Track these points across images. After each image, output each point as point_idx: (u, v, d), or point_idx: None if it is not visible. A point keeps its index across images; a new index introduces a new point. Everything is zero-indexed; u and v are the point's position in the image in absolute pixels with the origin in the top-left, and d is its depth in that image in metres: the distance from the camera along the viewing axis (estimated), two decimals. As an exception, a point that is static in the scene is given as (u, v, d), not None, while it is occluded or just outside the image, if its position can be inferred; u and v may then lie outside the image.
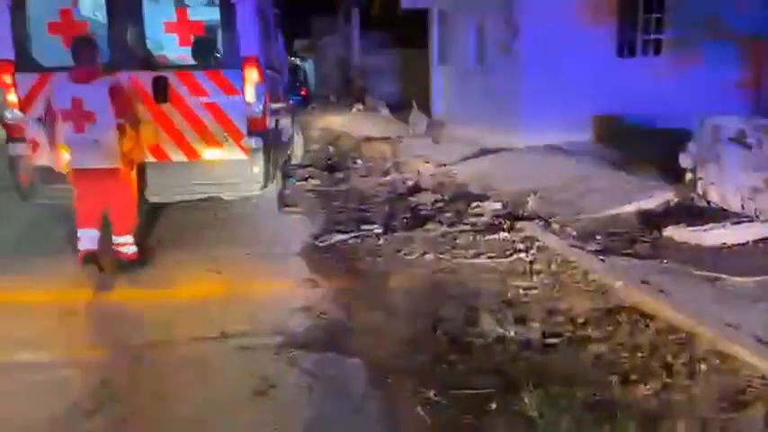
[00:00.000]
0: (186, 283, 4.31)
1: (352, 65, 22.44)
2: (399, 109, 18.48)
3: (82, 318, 3.83)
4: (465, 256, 4.66)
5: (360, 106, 19.91)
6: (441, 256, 4.67)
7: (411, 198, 6.89)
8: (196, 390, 2.90)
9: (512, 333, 3.36)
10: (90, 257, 4.34)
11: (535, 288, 3.99)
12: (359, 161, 10.01)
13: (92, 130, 4.18)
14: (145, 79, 4.70)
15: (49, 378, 3.04)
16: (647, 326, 3.31)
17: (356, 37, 21.92)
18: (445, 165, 8.86)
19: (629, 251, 4.52)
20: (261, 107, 4.95)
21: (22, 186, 4.90)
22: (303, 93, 21.17)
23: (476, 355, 3.16)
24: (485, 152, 9.26)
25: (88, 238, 4.38)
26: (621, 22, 9.02)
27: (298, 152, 9.69)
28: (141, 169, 4.71)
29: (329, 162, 9.84)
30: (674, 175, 5.81)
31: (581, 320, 3.49)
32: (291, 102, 9.02)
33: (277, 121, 6.10)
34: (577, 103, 8.68)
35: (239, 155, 4.93)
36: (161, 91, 4.68)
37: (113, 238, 4.48)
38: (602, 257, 4.34)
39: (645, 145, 7.55)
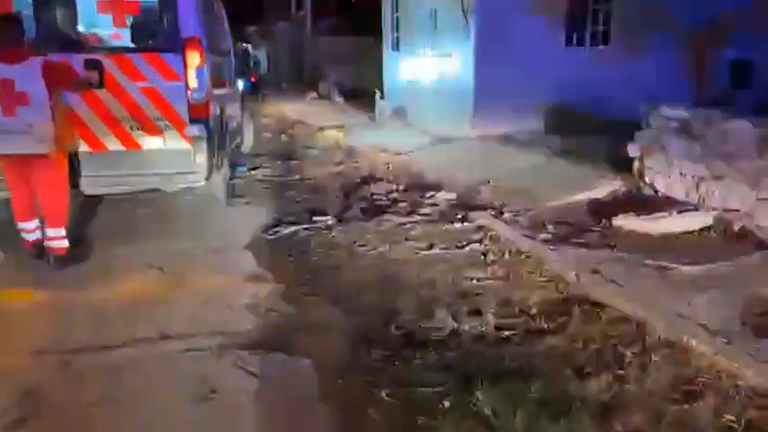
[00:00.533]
0: (123, 280, 4.03)
1: (304, 51, 22.01)
2: (353, 96, 18.27)
3: (5, 320, 3.52)
4: (419, 247, 4.57)
5: (313, 94, 19.57)
6: (395, 247, 4.57)
7: (366, 187, 6.76)
8: (131, 398, 2.69)
9: (466, 327, 3.29)
10: (38, 248, 4.17)
11: (489, 279, 3.94)
12: (313, 150, 9.79)
13: (24, 113, 3.85)
14: (76, 62, 4.32)
15: (-36, 390, 2.76)
16: (600, 317, 3.31)
17: (309, 23, 21.48)
18: (400, 154, 8.77)
19: (579, 240, 4.54)
20: (203, 93, 4.70)
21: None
22: (253, 79, 20.60)
23: (430, 350, 3.07)
24: (439, 141, 9.22)
25: (31, 230, 4.16)
26: (571, 11, 9.10)
27: (248, 140, 9.38)
28: (73, 158, 4.37)
29: (282, 151, 9.57)
30: (621, 164, 5.90)
31: (534, 312, 3.46)
32: (241, 88, 8.69)
33: (222, 108, 5.83)
34: (528, 92, 8.72)
35: (181, 144, 4.67)
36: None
37: (44, 230, 4.17)
38: (553, 247, 4.34)
39: (593, 134, 7.67)
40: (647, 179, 5.35)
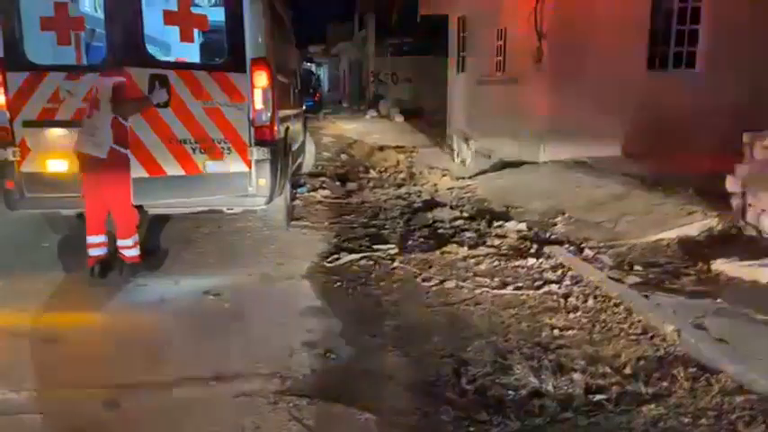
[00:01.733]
0: (180, 307, 3.88)
1: (366, 71, 22.09)
2: (414, 117, 18.11)
3: (55, 347, 3.39)
4: (489, 285, 4.19)
5: (373, 113, 19.55)
6: (462, 284, 4.21)
7: (427, 214, 6.44)
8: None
9: (549, 386, 2.88)
10: (102, 263, 4.29)
11: (572, 328, 3.51)
12: (372, 171, 9.60)
13: (95, 118, 4.05)
14: (140, 77, 4.22)
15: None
16: (710, 383, 2.82)
17: (372, 42, 21.58)
18: (463, 178, 8.42)
19: (674, 286, 4.02)
20: (269, 115, 4.54)
21: (8, 194, 4.51)
22: (316, 98, 20.85)
23: (508, 413, 2.69)
24: (504, 165, 8.80)
25: (98, 245, 4.29)
26: (654, 32, 8.52)
27: (308, 160, 9.31)
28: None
29: (341, 171, 9.42)
30: (715, 199, 5.31)
31: (628, 371, 3.01)
32: (304, 107, 8.63)
33: (287, 129, 5.69)
34: (605, 115, 8.19)
35: (243, 167, 4.51)
36: (160, 92, 4.23)
37: (117, 242, 4.32)
38: (645, 293, 3.85)
39: (679, 164, 7.06)
40: (749, 218, 4.75)
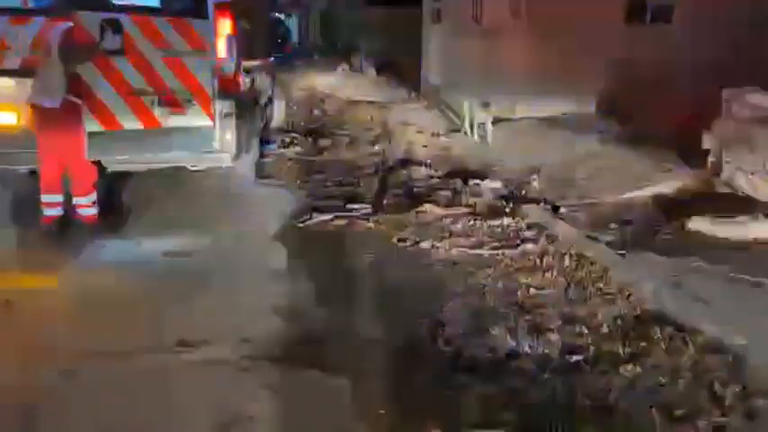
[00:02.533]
0: (142, 271, 3.68)
1: (338, 22, 21.36)
2: (387, 69, 17.63)
3: (13, 311, 3.19)
4: (465, 245, 4.10)
5: (345, 66, 19.00)
6: (438, 244, 4.10)
7: (403, 172, 6.28)
8: (138, 428, 2.32)
9: (526, 347, 2.84)
10: (59, 222, 4.05)
11: (548, 288, 3.46)
12: (345, 127, 9.32)
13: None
14: (90, 21, 3.84)
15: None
16: (686, 343, 2.80)
17: (343, -8, 20.78)
18: (438, 135, 8.24)
19: (650, 244, 4.00)
20: (233, 65, 4.25)
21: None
22: (286, 50, 20.10)
23: (485, 375, 2.63)
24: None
25: (55, 204, 4.03)
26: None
27: (278, 115, 8.96)
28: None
29: (313, 127, 9.12)
30: (690, 156, 5.28)
31: (605, 331, 2.98)
32: (272, 59, 8.23)
33: (253, 81, 5.39)
34: (580, 71, 8.05)
35: (206, 120, 4.24)
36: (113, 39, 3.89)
37: (73, 199, 4.07)
38: (621, 251, 3.82)
39: (654, 120, 7.01)
40: (725, 175, 4.73)
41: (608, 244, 3.98)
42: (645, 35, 8.40)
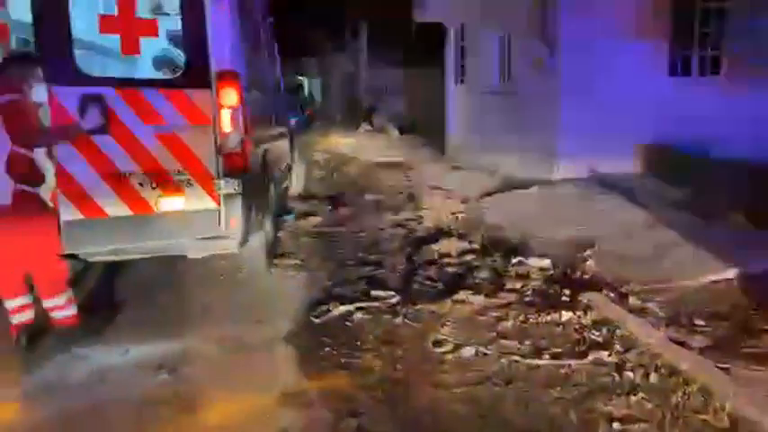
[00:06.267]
0: (122, 388, 2.98)
1: (359, 83, 21.37)
2: (409, 130, 17.31)
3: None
4: (519, 351, 3.31)
5: (368, 126, 18.80)
6: (484, 350, 3.33)
7: (432, 246, 5.56)
8: None
9: None
10: (28, 330, 3.41)
11: (637, 420, 2.63)
12: (368, 192, 8.73)
13: None
14: (69, 98, 3.29)
15: None
16: None
17: (364, 53, 20.88)
18: (469, 200, 7.57)
19: (754, 349, 3.16)
20: (239, 139, 3.68)
21: None
22: (308, 112, 20.03)
23: None
24: (512, 184, 7.97)
25: (17, 309, 3.40)
26: (675, 35, 7.76)
27: (297, 181, 8.46)
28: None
29: (334, 193, 8.56)
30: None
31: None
32: (291, 124, 7.80)
33: (266, 152, 4.84)
34: (622, 127, 7.41)
35: (208, 203, 3.64)
36: (93, 116, 3.32)
37: (43, 303, 3.42)
38: (723, 364, 2.99)
39: (709, 179, 6.25)
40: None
41: (702, 351, 3.15)
42: (690, 87, 7.79)
